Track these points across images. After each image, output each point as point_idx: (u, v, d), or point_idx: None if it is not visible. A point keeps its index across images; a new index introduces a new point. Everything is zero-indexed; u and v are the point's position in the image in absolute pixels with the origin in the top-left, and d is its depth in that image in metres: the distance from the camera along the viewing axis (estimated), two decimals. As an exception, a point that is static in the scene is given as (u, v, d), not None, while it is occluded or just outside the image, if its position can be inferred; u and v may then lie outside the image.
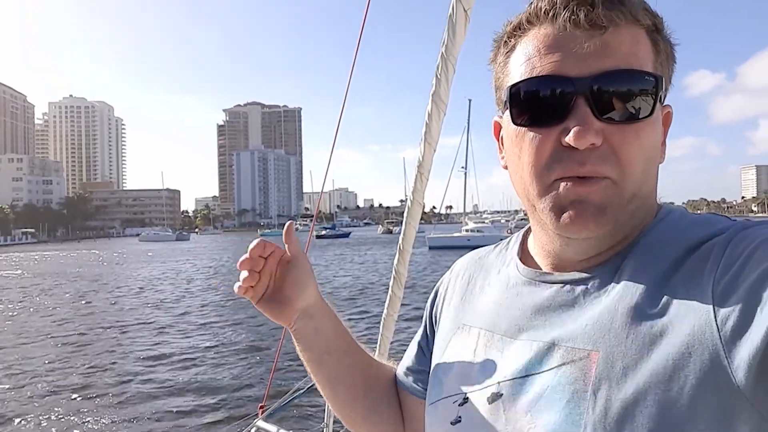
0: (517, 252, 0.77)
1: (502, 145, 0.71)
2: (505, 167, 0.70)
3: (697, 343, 0.50)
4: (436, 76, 1.38)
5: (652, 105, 0.58)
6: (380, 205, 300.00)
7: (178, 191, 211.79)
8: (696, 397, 0.49)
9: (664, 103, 0.64)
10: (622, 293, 0.58)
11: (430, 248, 44.24)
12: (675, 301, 0.54)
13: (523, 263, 0.74)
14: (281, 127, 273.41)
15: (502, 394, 0.63)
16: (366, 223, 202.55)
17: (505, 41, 0.66)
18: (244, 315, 15.26)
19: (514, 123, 0.63)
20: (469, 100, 52.62)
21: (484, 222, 60.92)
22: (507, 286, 0.74)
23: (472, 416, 0.66)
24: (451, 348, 0.78)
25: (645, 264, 0.59)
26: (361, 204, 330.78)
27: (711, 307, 0.50)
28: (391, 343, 1.86)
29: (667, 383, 0.50)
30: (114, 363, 10.36)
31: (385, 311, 1.75)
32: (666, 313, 0.53)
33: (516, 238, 0.81)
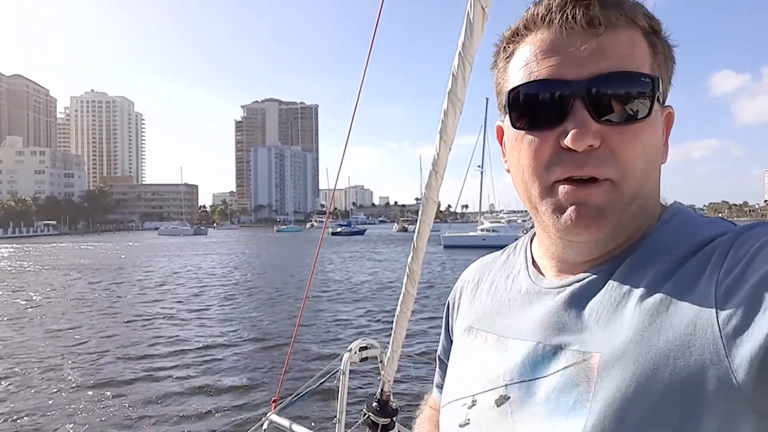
0: (524, 256, 0.78)
1: (505, 149, 0.71)
2: (508, 171, 0.71)
3: (698, 343, 0.50)
4: (453, 74, 1.36)
5: (650, 106, 0.59)
6: (396, 203, 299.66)
7: (196, 186, 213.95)
8: (697, 396, 0.49)
9: (665, 104, 0.65)
10: (624, 294, 0.59)
11: (445, 247, 44.10)
12: (677, 302, 0.54)
13: (531, 267, 0.75)
14: (298, 124, 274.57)
15: (509, 397, 0.64)
16: (381, 221, 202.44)
17: (505, 47, 0.67)
18: (259, 310, 15.40)
19: (514, 127, 0.64)
20: (487, 99, 51.98)
21: (499, 222, 60.27)
22: (513, 289, 0.75)
23: (480, 419, 0.67)
24: (461, 351, 0.79)
25: (647, 265, 0.60)
26: (376, 201, 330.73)
27: (713, 307, 0.50)
28: (404, 339, 1.87)
29: (668, 383, 0.50)
30: (130, 353, 10.52)
31: (398, 308, 1.75)
32: (668, 314, 0.54)
33: (523, 242, 0.82)
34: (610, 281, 0.61)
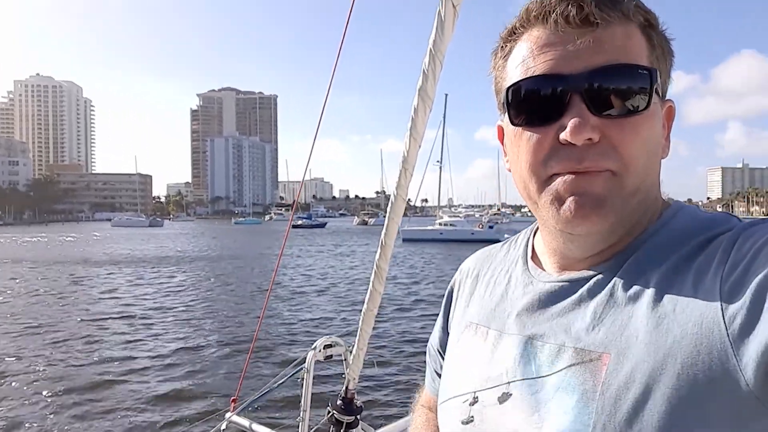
0: (525, 251, 0.77)
1: (506, 147, 0.70)
2: (510, 170, 0.70)
3: (705, 342, 0.49)
4: (423, 71, 1.35)
5: (648, 98, 0.58)
6: (356, 196, 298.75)
7: (150, 176, 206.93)
8: (705, 395, 0.49)
9: (666, 98, 0.64)
10: (630, 293, 0.58)
11: (404, 240, 44.47)
12: (683, 300, 0.53)
13: (531, 262, 0.74)
14: (256, 114, 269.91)
15: (512, 394, 0.63)
16: (341, 214, 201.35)
17: (502, 46, 0.67)
18: (218, 307, 15.07)
19: (512, 123, 0.64)
20: (446, 95, 52.78)
21: (458, 216, 61.17)
22: (515, 285, 0.74)
23: (484, 416, 0.66)
24: (460, 347, 0.78)
25: (653, 263, 0.59)
26: (336, 194, 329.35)
27: (719, 305, 0.50)
28: (370, 337, 1.85)
29: (676, 382, 0.50)
30: (81, 353, 10.10)
31: (365, 306, 1.74)
32: (674, 312, 0.53)
33: (524, 235, 0.81)
34: (615, 278, 0.60)
